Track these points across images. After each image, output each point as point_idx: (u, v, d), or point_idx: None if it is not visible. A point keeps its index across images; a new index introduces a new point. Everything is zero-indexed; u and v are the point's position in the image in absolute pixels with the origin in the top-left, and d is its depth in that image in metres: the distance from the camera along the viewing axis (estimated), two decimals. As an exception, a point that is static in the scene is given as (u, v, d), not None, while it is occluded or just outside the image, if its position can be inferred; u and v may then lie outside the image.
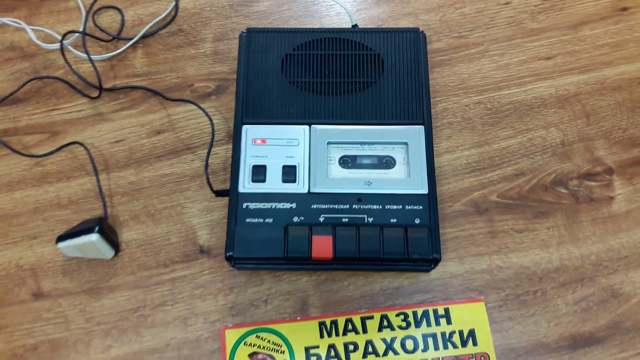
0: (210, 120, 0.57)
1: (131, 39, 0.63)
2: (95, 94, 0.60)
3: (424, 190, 0.49)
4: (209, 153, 0.54)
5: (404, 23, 0.64)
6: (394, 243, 0.47)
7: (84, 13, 0.64)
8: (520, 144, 0.58)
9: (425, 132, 0.51)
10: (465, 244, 0.54)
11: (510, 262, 0.53)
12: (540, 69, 0.61)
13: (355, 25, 0.58)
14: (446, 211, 0.55)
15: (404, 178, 0.50)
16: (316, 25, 0.64)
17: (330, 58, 0.54)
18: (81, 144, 0.57)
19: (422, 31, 0.56)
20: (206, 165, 0.54)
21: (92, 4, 0.61)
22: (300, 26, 0.63)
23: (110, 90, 0.61)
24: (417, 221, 0.48)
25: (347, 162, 0.51)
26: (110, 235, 0.52)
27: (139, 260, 0.53)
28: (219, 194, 0.54)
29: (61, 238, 0.51)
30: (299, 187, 0.50)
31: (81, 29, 0.58)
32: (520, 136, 0.58)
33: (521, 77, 0.61)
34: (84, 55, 0.61)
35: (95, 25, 0.64)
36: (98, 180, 0.55)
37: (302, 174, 0.50)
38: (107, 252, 0.52)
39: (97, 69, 0.59)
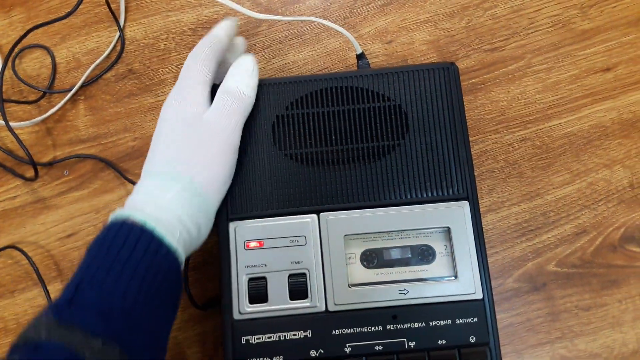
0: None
1: (68, 90, 0.48)
2: (30, 173, 0.46)
3: (477, 294, 0.38)
4: (186, 267, 0.41)
5: (421, 35, 0.49)
6: (444, 372, 0.36)
7: (0, 62, 0.48)
8: (580, 192, 0.46)
9: (471, 210, 0.39)
10: (522, 332, 0.43)
11: (577, 350, 0.43)
12: (596, 85, 0.48)
13: (361, 55, 0.44)
14: (497, 290, 0.44)
15: (449, 276, 0.38)
16: (306, 50, 0.49)
17: (335, 116, 0.40)
18: (18, 249, 0.44)
19: (454, 63, 0.42)
20: (186, 278, 0.41)
21: (13, 47, 0.46)
22: (286, 56, 0.49)
23: (49, 164, 0.47)
24: (472, 339, 0.37)
25: (372, 258, 0.39)
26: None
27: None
28: (206, 306, 0.42)
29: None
30: (313, 303, 0.38)
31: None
32: (578, 181, 0.46)
33: (574, 98, 0.48)
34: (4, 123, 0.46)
35: (17, 77, 0.48)
36: (48, 295, 0.43)
37: (315, 284, 0.38)
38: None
39: (23, 142, 0.44)
